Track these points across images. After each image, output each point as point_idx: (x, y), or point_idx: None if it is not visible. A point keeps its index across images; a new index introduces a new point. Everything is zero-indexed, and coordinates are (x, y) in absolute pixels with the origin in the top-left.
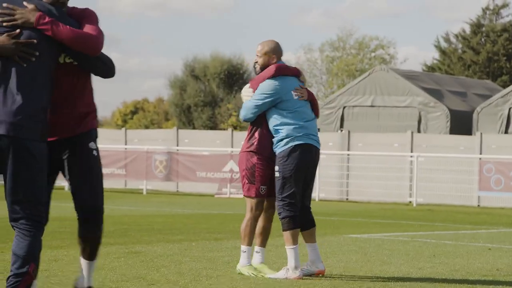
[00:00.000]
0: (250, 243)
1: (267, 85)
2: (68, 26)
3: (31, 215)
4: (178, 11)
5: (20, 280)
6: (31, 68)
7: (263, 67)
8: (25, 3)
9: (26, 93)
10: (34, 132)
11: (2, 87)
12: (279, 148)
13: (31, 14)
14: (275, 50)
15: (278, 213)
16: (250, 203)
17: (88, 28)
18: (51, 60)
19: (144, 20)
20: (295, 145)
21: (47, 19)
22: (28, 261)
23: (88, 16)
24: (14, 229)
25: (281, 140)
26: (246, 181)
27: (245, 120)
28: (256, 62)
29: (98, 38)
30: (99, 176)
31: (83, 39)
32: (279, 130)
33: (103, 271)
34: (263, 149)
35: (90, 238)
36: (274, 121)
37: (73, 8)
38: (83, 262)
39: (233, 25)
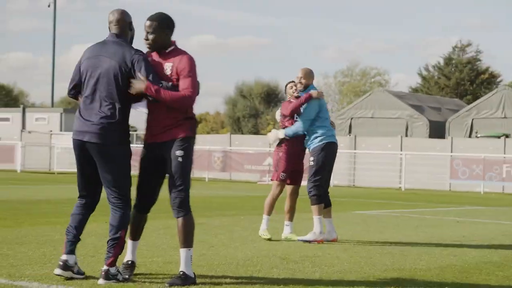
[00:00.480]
0: (269, 213)
1: (310, 106)
2: (168, 92)
3: (120, 196)
4: (232, 48)
5: (116, 243)
6: (112, 96)
7: (305, 86)
8: (139, 74)
9: (105, 112)
10: (112, 138)
11: (89, 110)
12: (314, 144)
13: (143, 85)
14: (312, 74)
15: (309, 192)
16: (273, 184)
17: (183, 85)
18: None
19: (208, 55)
20: (327, 142)
21: (153, 88)
22: (119, 229)
23: (184, 68)
24: (110, 207)
25: (317, 138)
26: (273, 169)
27: (305, 130)
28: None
29: (190, 97)
30: (181, 178)
31: (178, 102)
32: (316, 131)
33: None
34: (290, 148)
35: (178, 226)
36: (312, 124)
37: (176, 49)
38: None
39: (270, 58)
